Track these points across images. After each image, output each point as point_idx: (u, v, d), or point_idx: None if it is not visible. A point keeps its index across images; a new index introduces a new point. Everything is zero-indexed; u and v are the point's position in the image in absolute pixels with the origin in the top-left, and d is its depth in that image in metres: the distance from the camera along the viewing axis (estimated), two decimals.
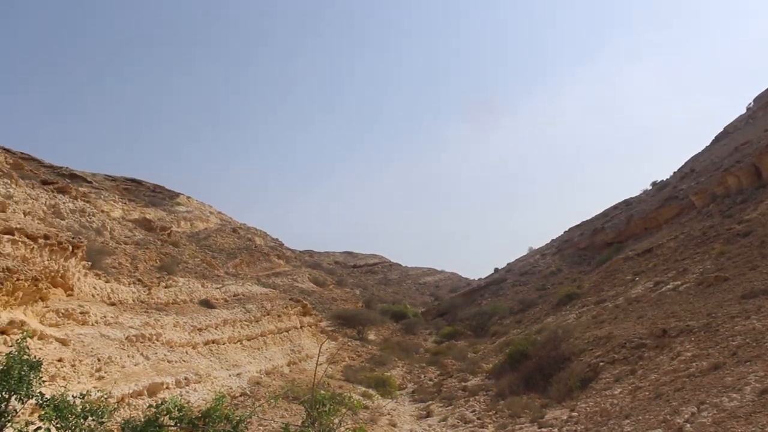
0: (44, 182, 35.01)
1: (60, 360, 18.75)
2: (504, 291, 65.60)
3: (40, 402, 6.41)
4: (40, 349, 18.70)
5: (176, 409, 5.71)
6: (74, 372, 18.60)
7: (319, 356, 14.55)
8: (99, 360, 20.32)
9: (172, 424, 5.77)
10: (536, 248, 79.40)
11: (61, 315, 21.66)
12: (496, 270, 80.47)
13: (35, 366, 6.68)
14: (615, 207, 70.22)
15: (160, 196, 70.08)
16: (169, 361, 24.25)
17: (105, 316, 23.91)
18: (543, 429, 20.92)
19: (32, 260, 21.47)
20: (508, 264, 79.25)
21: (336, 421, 7.05)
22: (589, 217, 74.76)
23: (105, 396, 7.17)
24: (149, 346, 24.24)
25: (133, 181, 70.40)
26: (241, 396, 26.10)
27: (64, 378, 17.91)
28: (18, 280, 18.18)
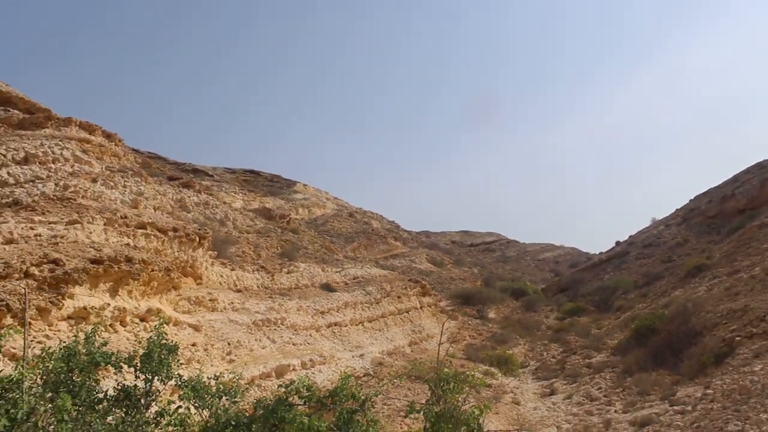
0: (170, 178, 36.93)
1: (194, 344, 19.80)
2: (627, 264, 63.29)
3: (179, 383, 6.83)
4: (175, 334, 19.82)
5: (305, 388, 5.93)
6: (207, 355, 19.60)
7: (441, 335, 14.61)
8: (229, 344, 21.30)
9: (301, 402, 5.99)
10: (660, 219, 75.83)
11: (192, 302, 22.86)
12: (618, 243, 77.54)
13: (172, 350, 7.11)
14: (746, 171, 65.22)
15: (277, 185, 72.30)
16: (294, 344, 25.08)
17: (232, 303, 25.02)
18: (675, 407, 20.09)
19: (164, 252, 22.76)
20: (630, 236, 76.13)
21: (460, 399, 7.07)
22: (716, 184, 70.34)
23: (236, 378, 7.50)
24: (275, 329, 25.16)
25: (252, 172, 72.99)
26: (364, 376, 26.63)
27: (198, 361, 18.90)
28: (153, 270, 19.32)
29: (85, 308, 16.13)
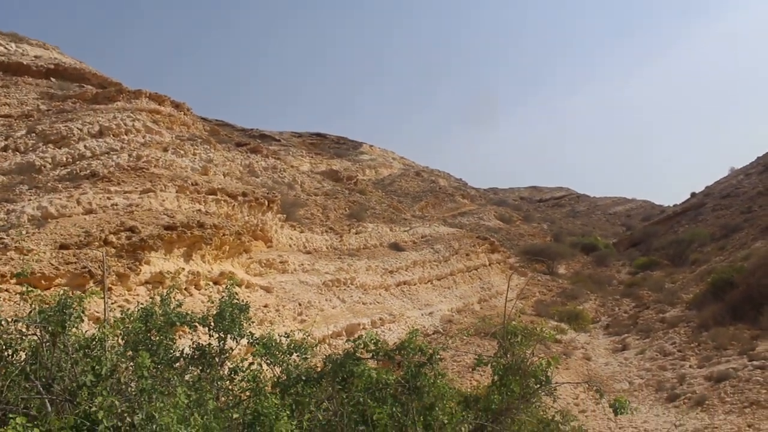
0: (238, 144, 37.65)
1: (266, 306, 20.41)
2: (703, 216, 61.25)
3: (251, 341, 7.13)
4: (247, 296, 20.45)
5: (372, 342, 6.09)
6: (279, 316, 20.17)
7: (507, 291, 14.59)
8: (300, 304, 21.86)
9: (369, 356, 6.17)
10: (739, 168, 72.88)
11: (263, 265, 23.48)
12: (693, 195, 75.03)
13: (243, 309, 7.40)
14: None
15: (344, 147, 72.76)
16: (364, 303, 25.52)
17: (302, 264, 25.57)
18: (755, 362, 19.59)
19: (234, 216, 23.36)
20: (706, 187, 73.47)
21: (528, 352, 7.12)
22: None
23: (307, 335, 7.72)
24: (344, 289, 25.64)
25: (318, 135, 73.60)
26: (434, 333, 26.91)
27: (270, 321, 19.49)
28: (224, 235, 19.91)
29: (161, 273, 16.82)
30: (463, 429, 5.79)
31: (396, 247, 33.94)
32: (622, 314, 34.69)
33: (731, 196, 62.35)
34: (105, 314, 6.00)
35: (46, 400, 5.06)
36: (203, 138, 31.74)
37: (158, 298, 7.45)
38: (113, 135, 25.40)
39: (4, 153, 24.71)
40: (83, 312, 5.82)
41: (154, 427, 4.47)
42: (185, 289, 17.36)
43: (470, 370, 20.30)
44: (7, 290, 13.46)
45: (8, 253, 14.69)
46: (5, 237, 15.80)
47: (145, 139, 26.09)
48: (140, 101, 30.78)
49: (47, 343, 5.43)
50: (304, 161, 52.88)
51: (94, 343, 5.78)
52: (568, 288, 44.06)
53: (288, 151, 52.93)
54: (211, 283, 18.89)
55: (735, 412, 16.82)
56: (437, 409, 5.90)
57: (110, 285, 15.33)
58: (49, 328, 5.35)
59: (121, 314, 7.03)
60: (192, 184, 22.42)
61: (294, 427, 5.51)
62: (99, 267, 15.58)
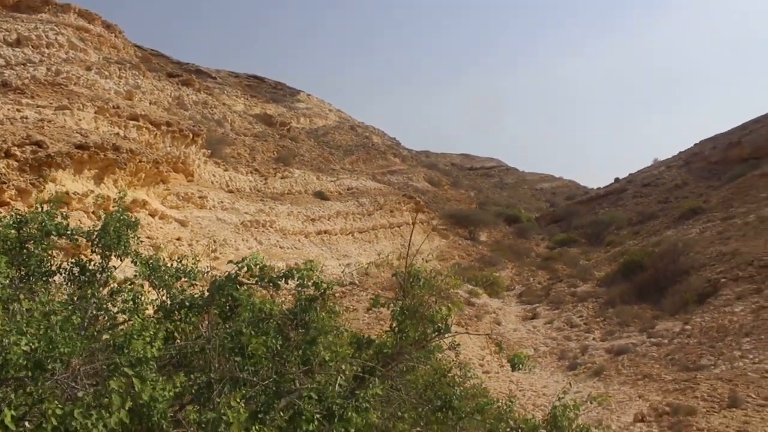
0: (170, 75, 36.36)
1: (179, 239, 19.87)
2: (623, 201, 63.08)
3: (135, 259, 6.69)
4: (160, 227, 19.87)
5: (257, 266, 5.74)
6: (191, 251, 19.67)
7: (412, 231, 14.60)
8: (215, 241, 21.40)
9: (253, 282, 5.84)
10: (662, 160, 75.12)
11: (181, 198, 22.83)
12: (617, 180, 77.05)
13: (132, 225, 6.89)
14: (756, 120, 63.34)
15: (281, 92, 71.32)
16: (281, 247, 25.22)
17: (222, 202, 25.00)
18: (652, 339, 20.40)
19: (155, 146, 22.57)
20: (629, 174, 75.39)
21: (429, 297, 6.89)
22: (724, 130, 68.98)
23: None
24: (263, 231, 25.25)
25: (256, 77, 71.85)
26: (350, 285, 26.90)
27: (181, 255, 18.99)
28: (140, 162, 19.16)
29: (67, 193, 16.03)
30: (344, 367, 5.57)
31: (321, 195, 33.63)
32: (536, 285, 35.53)
33: (651, 185, 64.43)
34: None
35: None
36: (132, 63, 30.46)
37: (43, 208, 6.89)
38: (32, 46, 24.05)
39: None
40: None
41: None
42: (93, 212, 16.63)
43: (375, 318, 20.40)
44: None
45: None
46: None
47: (68, 55, 24.82)
48: (68, 16, 29.17)
49: None
50: (239, 102, 51.58)
51: None
52: (487, 255, 44.78)
53: (222, 90, 51.49)
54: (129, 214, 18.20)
55: (629, 384, 17.42)
56: (319, 344, 5.68)
57: (9, 200, 14.54)
58: None
59: None
60: (113, 107, 21.46)
61: (162, 352, 5.24)
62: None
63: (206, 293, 6.30)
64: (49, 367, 4.15)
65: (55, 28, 26.12)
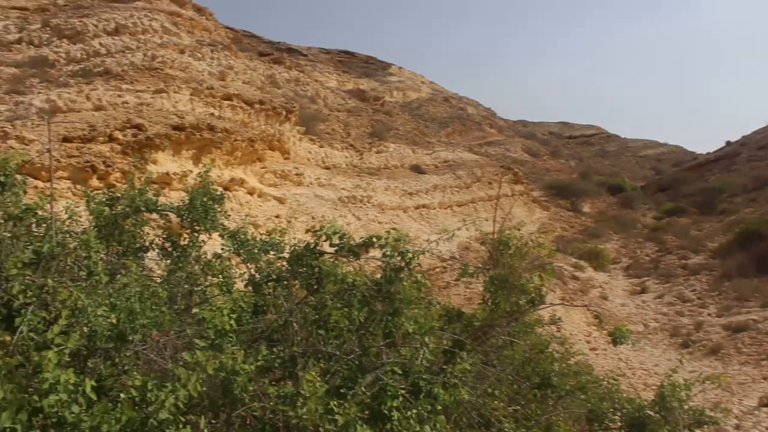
0: (261, 54, 36.56)
1: (277, 216, 19.82)
2: (737, 166, 59.07)
3: (221, 233, 6.45)
4: (259, 205, 19.87)
5: (336, 235, 5.29)
6: (290, 228, 19.54)
7: (498, 194, 13.88)
8: (313, 218, 21.25)
9: (332, 251, 5.39)
10: None
11: (278, 176, 22.81)
12: (728, 143, 72.49)
13: (218, 199, 6.68)
14: None
15: (372, 67, 71.02)
16: (379, 222, 24.87)
17: (319, 178, 24.89)
18: None
19: (250, 124, 22.60)
20: (743, 137, 70.76)
21: (522, 265, 6.25)
22: None
23: (283, 232, 7.03)
24: (360, 207, 24.99)
25: (346, 53, 71.84)
26: (450, 259, 26.32)
27: (280, 233, 18.96)
28: (235, 140, 19.18)
29: (167, 174, 16.19)
30: (427, 340, 5.02)
31: (417, 169, 33.11)
32: (643, 257, 33.78)
33: None
34: (51, 190, 5.28)
35: None
36: (224, 44, 30.67)
37: (137, 185, 6.77)
38: (129, 34, 24.49)
39: (17, 45, 24.00)
40: (24, 182, 5.17)
41: (73, 310, 3.87)
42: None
43: (477, 292, 19.76)
44: None
45: (8, 142, 14.11)
46: (8, 127, 15.23)
47: (162, 39, 25.14)
48: (161, 2, 29.65)
49: None
50: (331, 78, 51.53)
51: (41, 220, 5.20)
52: (591, 226, 43.09)
53: (314, 67, 51.55)
54: (220, 189, 18.27)
55: (751, 363, 16.24)
56: (401, 315, 5.16)
57: (114, 182, 14.75)
58: None
59: (87, 197, 6.42)
60: (207, 88, 21.60)
61: (250, 326, 4.94)
62: (103, 162, 15.00)
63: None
64: (130, 338, 4.08)
65: (149, 14, 26.54)
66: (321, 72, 50.54)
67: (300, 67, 41.51)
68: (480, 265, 6.35)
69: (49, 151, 5.09)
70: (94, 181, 14.42)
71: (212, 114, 20.54)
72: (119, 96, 18.85)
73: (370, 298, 5.20)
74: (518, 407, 6.16)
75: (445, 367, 5.00)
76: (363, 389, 4.51)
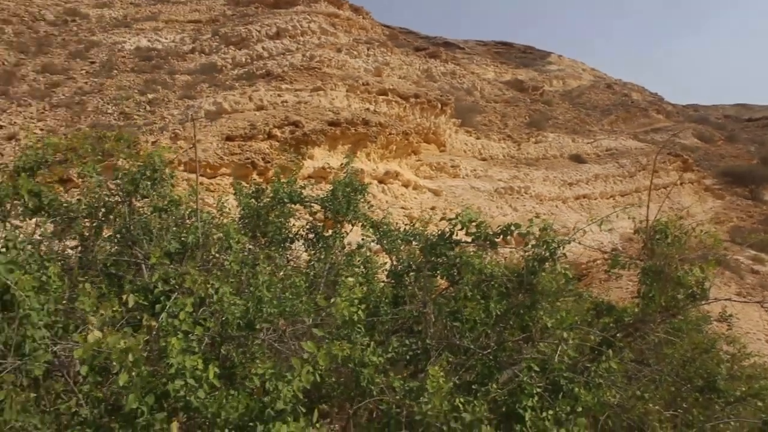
0: (417, 49, 36.79)
1: (432, 208, 19.84)
2: None
3: (364, 223, 6.45)
4: (414, 198, 19.98)
5: (473, 223, 5.02)
6: (435, 217, 19.53)
7: (653, 172, 12.91)
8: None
9: (469, 240, 5.13)
10: None
11: (433, 168, 22.85)
12: None
13: (361, 190, 6.67)
14: None
15: (530, 56, 69.49)
16: (537, 214, 24.24)
17: (475, 170, 24.65)
18: None
19: (405, 118, 22.77)
20: None
21: (678, 256, 5.62)
22: None
23: (426, 221, 6.94)
24: (517, 198, 24.48)
25: (503, 44, 70.81)
26: (612, 251, 25.12)
27: (435, 225, 18.97)
28: (390, 134, 19.39)
29: (323, 168, 16.67)
30: (566, 335, 4.63)
31: (577, 158, 31.95)
32: None
33: None
34: (197, 185, 5.50)
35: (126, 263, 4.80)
36: (380, 41, 31.17)
37: (280, 178, 6.95)
38: (289, 36, 25.50)
39: (191, 55, 25.75)
40: (172, 176, 5.41)
41: (214, 298, 3.98)
42: None
43: (624, 279, 18.68)
44: (175, 176, 13.86)
45: (178, 142, 15.12)
46: (179, 128, 16.35)
47: (320, 40, 25.96)
48: (319, 5, 30.64)
49: (124, 203, 5.08)
50: (488, 70, 50.97)
51: (188, 213, 5.46)
52: None
53: (471, 60, 51.24)
54: (375, 182, 18.56)
55: None
56: (539, 308, 4.79)
57: (274, 177, 15.39)
58: (123, 187, 4.99)
59: (236, 191, 6.67)
60: (363, 84, 22.00)
61: (389, 316, 4.84)
62: (263, 159, 15.69)
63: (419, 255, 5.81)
64: (257, 327, 4.12)
65: (308, 17, 27.48)
66: (478, 64, 50.14)
67: (456, 60, 41.38)
68: (633, 257, 5.84)
69: (194, 146, 5.30)
70: (255, 177, 15.11)
71: (367, 109, 20.90)
72: (279, 96, 19.63)
73: (510, 290, 4.92)
74: (677, 412, 5.54)
75: (589, 365, 4.64)
76: (497, 386, 4.27)
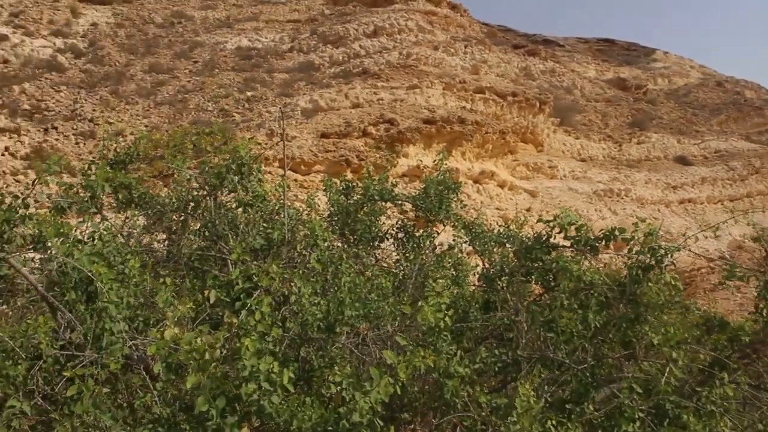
0: (515, 47, 36.10)
1: (528, 210, 19.35)
2: None
3: (456, 223, 6.22)
4: (510, 198, 19.54)
5: (573, 226, 4.64)
6: (530, 218, 19.00)
7: None
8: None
9: (567, 244, 4.77)
10: None
11: (530, 168, 22.32)
12: None
13: (454, 188, 6.42)
14: None
15: (634, 54, 66.88)
16: (637, 217, 23.22)
17: (573, 171, 23.93)
18: None
19: (502, 117, 22.32)
20: None
21: None
22: None
23: (521, 223, 6.64)
24: (617, 201, 23.60)
25: (606, 41, 68.43)
26: (718, 260, 23.84)
27: (531, 227, 18.48)
28: (486, 133, 19.04)
29: (418, 167, 16.48)
30: (675, 355, 4.18)
31: (683, 160, 30.52)
32: None
33: None
34: (284, 180, 5.39)
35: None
36: (478, 39, 30.74)
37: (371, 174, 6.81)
38: (386, 35, 25.48)
39: (289, 54, 26.13)
40: (259, 170, 5.33)
41: (292, 297, 3.84)
42: None
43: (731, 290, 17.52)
44: (269, 173, 14.05)
45: (273, 139, 15.32)
46: (275, 125, 16.57)
47: (417, 38, 25.81)
48: (416, 2, 30.50)
49: (210, 197, 5.04)
50: (589, 68, 49.45)
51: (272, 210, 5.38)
52: None
53: (572, 57, 49.84)
54: (470, 182, 18.26)
55: None
56: (644, 323, 4.35)
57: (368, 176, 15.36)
58: (209, 181, 4.95)
59: (325, 186, 6.56)
60: (459, 82, 21.71)
61: (480, 323, 4.58)
62: (357, 156, 15.69)
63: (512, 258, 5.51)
64: (337, 330, 3.97)
65: (405, 15, 27.38)
66: (578, 62, 48.72)
67: (556, 58, 40.39)
68: (753, 267, 5.32)
69: (282, 141, 5.19)
70: (348, 174, 15.13)
71: (464, 107, 20.60)
72: (375, 93, 19.62)
73: (611, 300, 4.53)
74: None
75: (699, 389, 4.20)
76: (593, 406, 3.93)
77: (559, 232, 4.70)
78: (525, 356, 4.39)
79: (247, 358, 3.07)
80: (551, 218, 4.72)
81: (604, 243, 4.61)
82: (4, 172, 14.18)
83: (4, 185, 13.82)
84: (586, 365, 4.25)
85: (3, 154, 15.55)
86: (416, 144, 16.84)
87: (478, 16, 34.50)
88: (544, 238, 4.86)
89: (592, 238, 4.60)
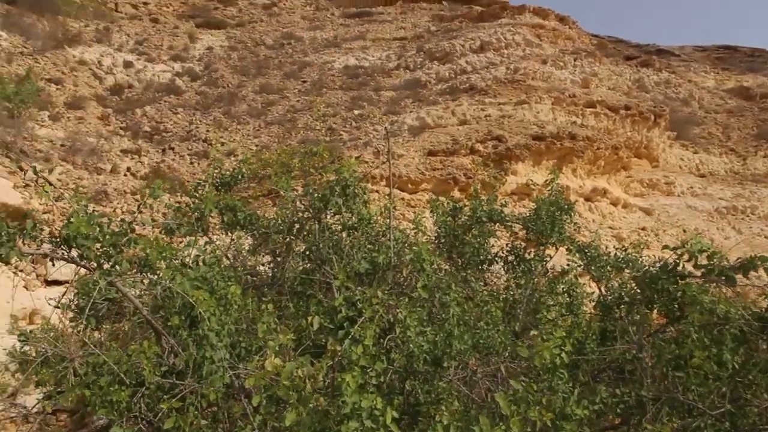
0: (627, 58, 34.87)
1: (643, 228, 18.47)
2: None
3: (569, 246, 5.85)
4: (624, 217, 18.74)
5: (704, 254, 4.16)
6: (657, 241, 18.09)
7: None
8: (684, 231, 19.36)
9: (698, 273, 4.29)
10: None
11: (645, 185, 21.36)
12: None
13: (567, 209, 6.04)
14: None
15: (759, 60, 63.24)
16: (766, 237, 21.79)
17: (692, 187, 22.73)
18: None
19: (615, 131, 21.52)
20: None
21: None
22: None
23: (642, 246, 6.21)
24: (742, 219, 22.17)
25: (726, 48, 65.08)
26: None
27: (647, 246, 17.61)
28: (598, 149, 18.35)
29: (526, 184, 16.06)
30: None
31: None
32: None
33: None
34: (390, 202, 5.21)
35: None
36: (587, 51, 29.88)
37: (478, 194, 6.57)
38: (493, 50, 25.16)
39: (396, 71, 26.24)
40: (364, 192, 5.18)
41: (397, 328, 3.62)
42: None
43: None
44: (376, 191, 14.01)
45: (380, 158, 15.30)
46: (381, 144, 16.57)
47: (524, 52, 25.34)
48: (523, 16, 30.04)
49: (314, 220, 4.94)
50: (708, 77, 47.11)
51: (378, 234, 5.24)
52: None
53: (688, 67, 47.66)
54: (581, 200, 17.60)
55: None
56: None
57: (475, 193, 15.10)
58: (313, 204, 4.83)
59: (433, 207, 6.36)
60: (569, 96, 21.09)
61: (596, 355, 4.22)
62: (464, 174, 15.44)
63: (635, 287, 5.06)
64: (445, 365, 3.71)
65: (512, 29, 26.98)
66: (696, 72, 46.53)
67: (671, 68, 38.72)
68: None
69: (389, 160, 5.04)
70: (456, 193, 14.89)
71: (574, 122, 19.97)
72: (482, 110, 19.33)
73: (749, 336, 4.04)
74: None
75: None
76: None
77: (687, 260, 4.25)
78: (650, 397, 3.99)
79: (349, 395, 2.91)
80: (679, 245, 4.27)
81: (742, 271, 4.11)
82: (125, 191, 14.81)
83: (125, 204, 14.42)
84: (722, 410, 3.80)
85: (125, 175, 16.30)
86: (525, 161, 16.43)
87: (587, 29, 33.63)
88: (670, 267, 4.43)
89: (728, 267, 4.11)
